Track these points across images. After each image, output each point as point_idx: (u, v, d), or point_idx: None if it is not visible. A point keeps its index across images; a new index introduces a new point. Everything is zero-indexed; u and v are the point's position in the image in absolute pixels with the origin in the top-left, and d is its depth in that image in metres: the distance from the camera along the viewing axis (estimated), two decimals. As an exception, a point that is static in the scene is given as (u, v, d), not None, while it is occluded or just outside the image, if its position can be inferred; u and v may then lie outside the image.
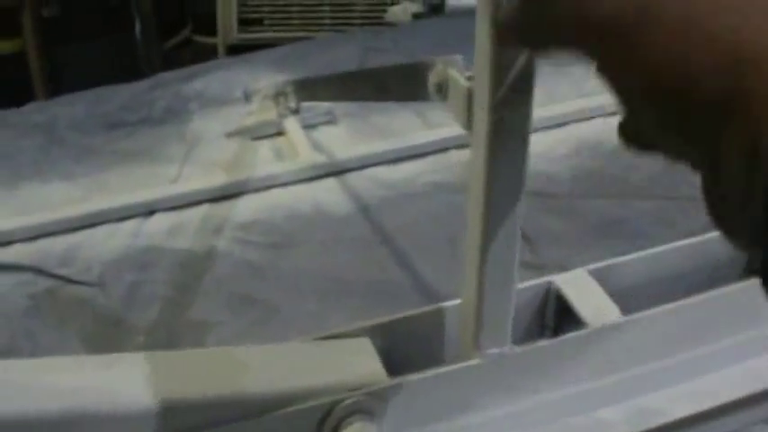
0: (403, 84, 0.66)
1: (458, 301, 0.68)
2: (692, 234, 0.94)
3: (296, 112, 1.22)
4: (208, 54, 2.29)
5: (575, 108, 1.24)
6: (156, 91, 1.33)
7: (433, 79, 0.56)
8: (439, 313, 0.69)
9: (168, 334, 0.88)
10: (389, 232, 1.02)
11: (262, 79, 1.35)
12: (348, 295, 0.92)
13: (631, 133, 0.34)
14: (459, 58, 0.55)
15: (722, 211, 0.30)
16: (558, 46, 0.36)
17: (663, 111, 0.29)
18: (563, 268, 0.90)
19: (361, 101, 0.84)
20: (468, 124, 0.52)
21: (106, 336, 0.88)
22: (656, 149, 0.33)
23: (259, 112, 1.24)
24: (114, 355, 0.57)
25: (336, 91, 0.97)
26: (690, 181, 1.03)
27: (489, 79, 0.48)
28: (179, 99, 1.31)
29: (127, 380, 0.54)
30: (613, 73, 0.31)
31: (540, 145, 1.17)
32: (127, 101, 1.31)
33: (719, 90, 0.27)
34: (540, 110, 1.10)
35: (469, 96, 0.51)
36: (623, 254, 0.91)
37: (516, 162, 0.52)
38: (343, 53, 1.42)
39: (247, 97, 1.30)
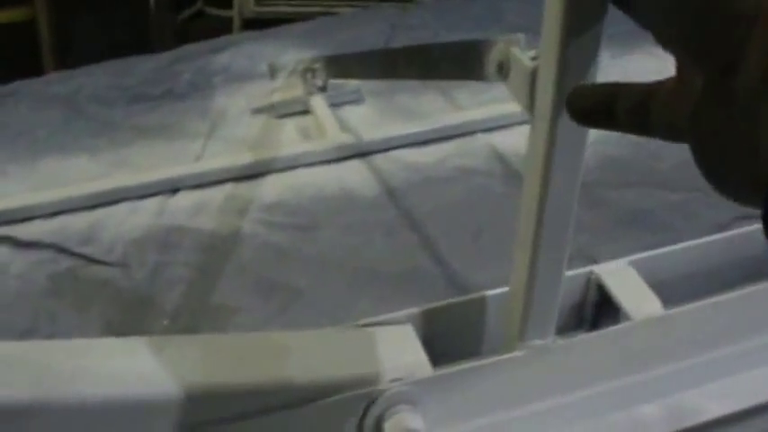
0: (456, 62, 0.67)
1: (500, 290, 0.69)
2: (718, 226, 0.96)
3: (323, 89, 1.24)
4: (222, 27, 2.29)
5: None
6: (180, 64, 1.34)
7: (493, 58, 0.57)
8: (481, 302, 0.71)
9: (192, 318, 0.89)
10: (416, 218, 1.03)
11: (287, 54, 1.36)
12: (375, 282, 0.94)
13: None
14: (521, 36, 0.56)
15: (720, 161, 0.34)
16: None
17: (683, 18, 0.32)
18: (588, 258, 0.92)
19: (402, 79, 0.85)
20: (531, 105, 0.53)
21: (130, 319, 0.90)
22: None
23: (285, 88, 1.25)
24: (153, 338, 0.59)
25: (374, 68, 0.98)
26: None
27: (557, 60, 0.48)
28: (203, 73, 1.32)
29: (167, 365, 0.55)
30: None
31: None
32: (149, 74, 1.32)
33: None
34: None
35: (533, 77, 0.52)
36: (648, 245, 0.92)
37: (577, 146, 0.53)
38: (370, 29, 1.43)
39: (272, 73, 1.31)
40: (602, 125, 0.42)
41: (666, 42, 0.34)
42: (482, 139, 1.16)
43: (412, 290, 0.93)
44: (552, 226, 0.57)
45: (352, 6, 2.17)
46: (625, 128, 0.41)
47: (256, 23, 2.21)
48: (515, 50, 0.56)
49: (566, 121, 0.50)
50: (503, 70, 0.57)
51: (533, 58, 0.54)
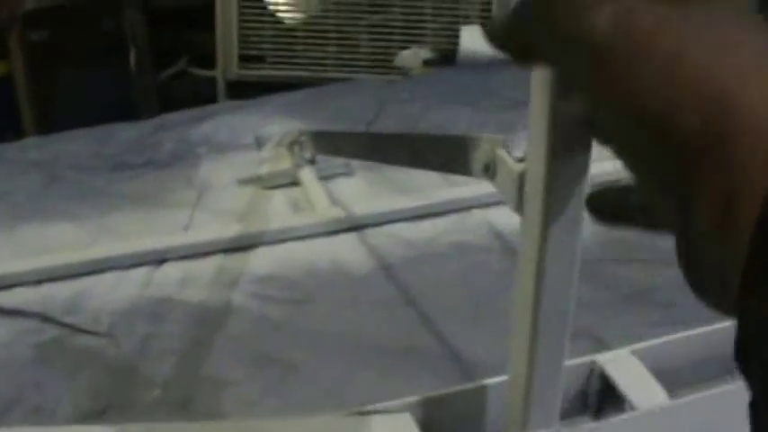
0: (442, 155, 0.69)
1: (500, 379, 0.70)
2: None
3: (312, 162, 1.26)
4: (204, 88, 2.32)
5: (599, 171, 1.29)
6: (161, 133, 1.36)
7: (479, 158, 0.59)
8: (481, 390, 0.72)
9: (184, 390, 0.90)
10: (413, 294, 1.05)
11: (272, 125, 1.39)
12: (372, 358, 0.95)
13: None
14: (501, 138, 0.59)
15: (694, 270, 0.31)
16: (542, 59, 0.38)
17: (638, 141, 0.30)
18: (593, 336, 0.94)
19: (389, 163, 0.88)
20: (520, 207, 0.55)
21: (119, 389, 0.90)
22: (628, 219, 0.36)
23: (273, 160, 1.27)
24: (144, 426, 0.58)
25: (362, 148, 1.01)
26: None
27: (545, 164, 0.50)
28: (185, 143, 1.34)
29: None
30: (595, 93, 0.31)
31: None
32: (131, 142, 1.34)
33: (695, 131, 0.27)
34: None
35: (521, 180, 0.54)
36: (654, 323, 0.95)
37: (570, 244, 0.55)
38: (357, 102, 1.46)
39: (259, 144, 1.33)
40: (623, 225, 0.41)
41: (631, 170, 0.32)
42: (478, 215, 1.19)
43: (411, 367, 0.94)
44: (549, 316, 0.58)
45: (337, 72, 2.21)
46: (643, 227, 0.40)
47: (240, 85, 2.24)
48: (501, 152, 0.58)
49: (557, 222, 0.52)
50: (489, 170, 0.59)
51: (520, 160, 0.56)
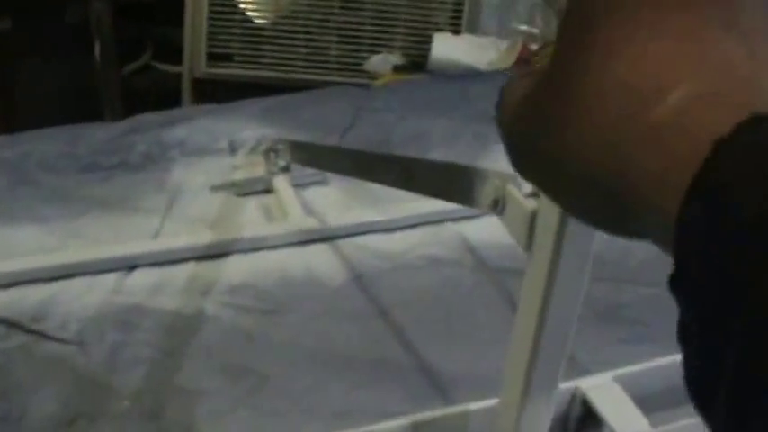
0: (443, 183, 0.69)
1: (484, 404, 0.71)
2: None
3: (286, 169, 1.26)
4: (169, 84, 2.30)
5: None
6: (134, 135, 1.35)
7: (488, 193, 0.59)
8: (464, 416, 0.72)
9: (155, 400, 0.89)
10: (385, 306, 1.05)
11: (246, 130, 1.38)
12: (343, 370, 0.95)
13: None
14: (513, 175, 0.59)
15: None
16: None
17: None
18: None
19: (377, 183, 0.88)
20: (529, 244, 0.55)
21: (88, 399, 0.89)
22: None
23: (246, 166, 1.27)
24: None
25: (346, 165, 1.00)
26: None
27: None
28: (159, 145, 1.33)
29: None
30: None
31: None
32: (102, 143, 1.33)
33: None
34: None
35: (532, 218, 0.55)
36: (621, 339, 0.96)
37: (577, 283, 0.55)
38: (332, 109, 1.46)
39: (233, 149, 1.32)
40: None
41: None
42: (451, 228, 1.20)
43: (382, 379, 0.94)
44: (548, 350, 0.59)
45: (305, 73, 2.21)
46: None
47: (205, 83, 2.23)
48: (512, 189, 0.58)
49: (566, 260, 0.53)
50: (498, 206, 0.59)
51: (530, 195, 0.57)
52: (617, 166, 0.26)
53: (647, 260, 1.13)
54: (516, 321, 0.60)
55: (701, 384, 0.24)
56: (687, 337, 0.24)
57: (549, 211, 0.52)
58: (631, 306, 1.06)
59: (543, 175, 0.30)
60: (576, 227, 0.52)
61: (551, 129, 0.28)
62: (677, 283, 0.25)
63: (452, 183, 0.66)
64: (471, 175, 0.62)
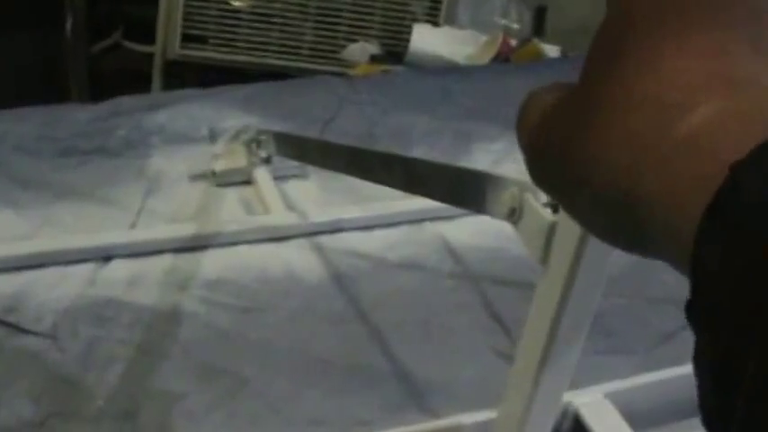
0: (451, 187, 0.67)
1: (476, 418, 0.69)
2: (664, 335, 0.99)
3: (267, 161, 1.23)
4: (139, 64, 2.26)
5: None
6: (115, 119, 1.31)
7: (505, 201, 0.57)
8: (456, 429, 0.71)
9: (129, 401, 0.87)
10: (364, 308, 1.03)
11: (228, 119, 1.35)
12: (321, 375, 0.94)
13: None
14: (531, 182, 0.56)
15: None
16: None
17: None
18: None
19: (376, 183, 0.85)
20: (545, 257, 0.54)
21: (61, 397, 0.87)
22: None
23: (227, 156, 1.24)
24: None
25: (340, 162, 0.97)
26: (660, 280, 1.07)
27: None
28: (139, 131, 1.30)
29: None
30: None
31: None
32: (81, 126, 1.29)
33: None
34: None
35: (551, 230, 0.53)
36: (597, 351, 0.95)
37: (591, 297, 0.54)
38: (315, 100, 1.43)
39: (213, 137, 1.30)
40: None
41: None
42: (430, 228, 1.18)
43: (359, 385, 0.93)
44: (557, 364, 0.58)
45: (280, 59, 2.18)
46: None
47: (177, 65, 2.19)
48: (530, 198, 0.56)
49: (583, 275, 0.51)
50: (514, 215, 0.57)
51: (549, 206, 0.54)
52: (637, 184, 0.25)
53: (622, 271, 1.12)
54: (525, 333, 0.58)
55: (713, 413, 0.22)
56: (701, 365, 0.23)
57: (570, 225, 0.50)
58: (607, 317, 1.05)
59: (563, 190, 0.30)
60: (595, 242, 0.50)
61: (575, 142, 0.28)
62: (693, 310, 0.24)
63: (465, 188, 0.64)
64: (488, 182, 0.59)
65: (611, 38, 0.27)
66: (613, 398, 0.76)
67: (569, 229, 0.50)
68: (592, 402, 0.75)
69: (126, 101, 1.36)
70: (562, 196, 0.30)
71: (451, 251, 1.14)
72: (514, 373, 0.61)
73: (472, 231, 1.16)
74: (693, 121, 0.24)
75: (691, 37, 0.25)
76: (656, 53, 0.26)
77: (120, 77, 2.32)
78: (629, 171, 0.25)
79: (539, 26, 2.24)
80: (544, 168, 0.30)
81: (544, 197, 0.56)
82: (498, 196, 0.57)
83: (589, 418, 0.74)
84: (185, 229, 1.10)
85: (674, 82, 0.25)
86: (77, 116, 1.31)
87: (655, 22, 0.26)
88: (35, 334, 0.93)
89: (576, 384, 0.85)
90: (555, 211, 0.55)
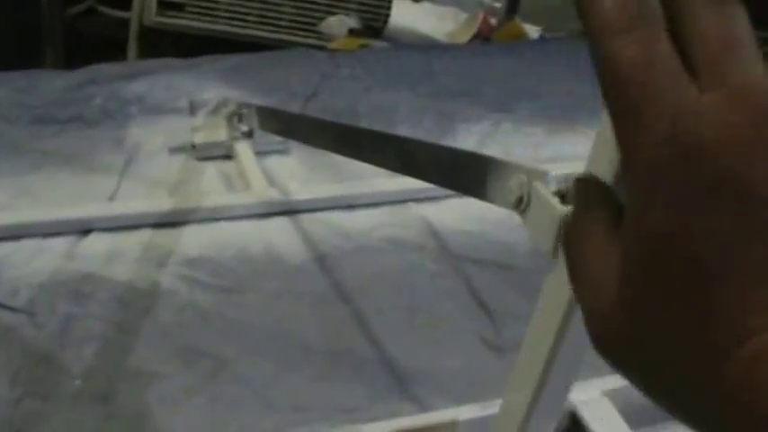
0: (450, 171, 0.64)
1: (471, 415, 0.67)
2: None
3: (249, 135, 1.20)
4: (114, 28, 2.21)
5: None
6: (92, 87, 1.27)
7: (512, 189, 0.54)
8: (452, 426, 0.69)
9: (108, 381, 0.84)
10: (347, 290, 1.01)
11: (208, 90, 1.32)
12: (303, 359, 0.91)
13: None
14: (543, 170, 0.52)
15: None
16: None
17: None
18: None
19: (366, 162, 0.81)
20: (554, 251, 0.51)
21: (38, 375, 0.83)
22: None
23: (207, 129, 1.21)
24: None
25: (325, 139, 0.94)
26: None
27: None
28: (117, 100, 1.26)
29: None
30: None
31: (499, 212, 1.19)
32: (58, 93, 1.25)
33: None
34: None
35: (562, 222, 0.50)
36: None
37: None
38: (297, 74, 1.40)
39: (192, 109, 1.26)
40: None
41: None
42: (414, 209, 1.15)
43: (342, 371, 0.91)
44: (563, 364, 0.55)
45: (258, 29, 2.14)
46: None
47: (153, 32, 2.14)
48: (540, 187, 0.52)
49: None
50: (521, 204, 0.54)
51: (558, 194, 0.51)
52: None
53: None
54: (531, 328, 0.56)
55: None
56: None
57: None
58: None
59: (636, 376, 0.29)
60: None
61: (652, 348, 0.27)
62: None
63: (466, 173, 0.61)
64: (491, 167, 0.56)
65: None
66: (611, 395, 0.75)
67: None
68: (590, 400, 0.74)
69: (103, 68, 1.32)
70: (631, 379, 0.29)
71: (434, 233, 1.11)
72: (519, 369, 0.58)
73: (456, 214, 1.14)
74: (742, 355, 0.25)
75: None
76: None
77: (95, 42, 2.27)
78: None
79: (513, 3, 2.21)
80: (619, 358, 0.29)
81: (554, 185, 0.52)
82: (503, 183, 0.54)
83: (587, 415, 0.72)
84: (164, 204, 1.07)
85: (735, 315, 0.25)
86: (53, 83, 1.26)
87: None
88: (11, 309, 0.90)
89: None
90: (564, 201, 0.51)
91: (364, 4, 2.14)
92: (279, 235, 1.08)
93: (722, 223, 0.25)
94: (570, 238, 0.33)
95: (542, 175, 0.53)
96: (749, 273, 0.25)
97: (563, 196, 0.51)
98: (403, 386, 0.90)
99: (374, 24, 2.10)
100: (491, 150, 1.29)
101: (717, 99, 0.26)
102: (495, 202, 0.57)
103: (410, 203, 1.17)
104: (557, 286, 0.52)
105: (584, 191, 0.37)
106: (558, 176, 0.50)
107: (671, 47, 0.28)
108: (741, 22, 0.28)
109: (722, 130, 0.26)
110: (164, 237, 1.04)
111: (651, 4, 0.29)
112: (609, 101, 0.29)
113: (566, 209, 0.50)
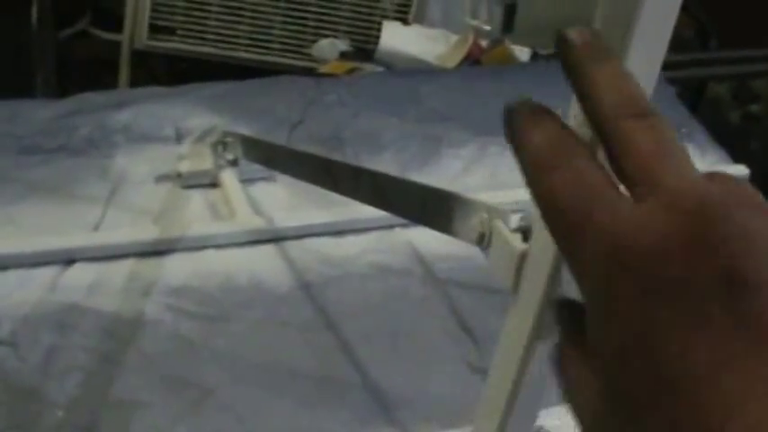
0: (419, 206, 0.65)
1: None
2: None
3: (234, 164, 1.21)
4: (107, 52, 2.23)
5: (517, 198, 1.27)
6: (78, 116, 1.28)
7: (474, 226, 0.55)
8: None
9: (91, 412, 0.85)
10: (332, 317, 1.02)
11: (194, 118, 1.32)
12: (289, 387, 0.92)
13: None
14: (504, 209, 0.54)
15: None
16: None
17: None
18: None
19: (340, 194, 0.83)
20: (515, 286, 0.52)
21: (21, 407, 0.84)
22: None
23: (193, 157, 1.21)
24: None
25: (304, 170, 0.95)
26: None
27: (554, 251, 0.47)
28: (103, 129, 1.27)
29: None
30: None
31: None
32: (43, 122, 1.26)
33: None
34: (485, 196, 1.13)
35: (522, 259, 0.51)
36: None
37: None
38: (283, 101, 1.40)
39: (179, 137, 1.27)
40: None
41: None
42: (400, 234, 1.16)
43: (328, 398, 0.91)
44: (528, 391, 0.56)
45: (248, 52, 2.16)
46: None
47: (144, 55, 2.16)
48: (499, 225, 0.54)
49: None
50: (483, 241, 0.55)
51: (518, 230, 0.52)
52: None
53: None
54: (496, 358, 0.57)
55: None
56: None
57: (541, 255, 0.48)
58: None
59: None
60: (567, 272, 0.48)
61: None
62: None
63: (434, 209, 0.62)
64: (457, 204, 0.58)
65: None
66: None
67: (540, 258, 0.48)
68: (563, 425, 0.74)
69: (90, 97, 1.33)
70: None
71: (420, 258, 1.12)
72: (486, 398, 0.59)
73: (442, 239, 1.13)
74: None
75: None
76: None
77: (87, 65, 2.29)
78: None
79: (508, 23, 2.23)
80: None
81: (514, 223, 0.54)
82: (467, 220, 0.56)
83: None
84: (149, 233, 1.07)
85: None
86: (39, 113, 1.27)
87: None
88: (-7, 341, 0.90)
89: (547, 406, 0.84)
90: (525, 239, 0.53)
91: (354, 27, 2.16)
92: (264, 263, 1.08)
93: (675, 327, 0.26)
94: (557, 360, 0.34)
95: (503, 214, 0.55)
96: (706, 375, 0.26)
97: (524, 233, 0.53)
98: (388, 412, 0.90)
99: (365, 47, 2.12)
100: (477, 174, 1.30)
101: (651, 208, 0.28)
102: (460, 238, 0.59)
103: (396, 229, 1.17)
104: (519, 320, 0.53)
105: (560, 314, 0.38)
106: (518, 216, 0.52)
107: (601, 169, 0.30)
108: (665, 130, 0.30)
109: (659, 238, 0.27)
110: (148, 266, 1.04)
111: (576, 134, 0.32)
112: (551, 228, 0.31)
113: (525, 246, 0.52)
